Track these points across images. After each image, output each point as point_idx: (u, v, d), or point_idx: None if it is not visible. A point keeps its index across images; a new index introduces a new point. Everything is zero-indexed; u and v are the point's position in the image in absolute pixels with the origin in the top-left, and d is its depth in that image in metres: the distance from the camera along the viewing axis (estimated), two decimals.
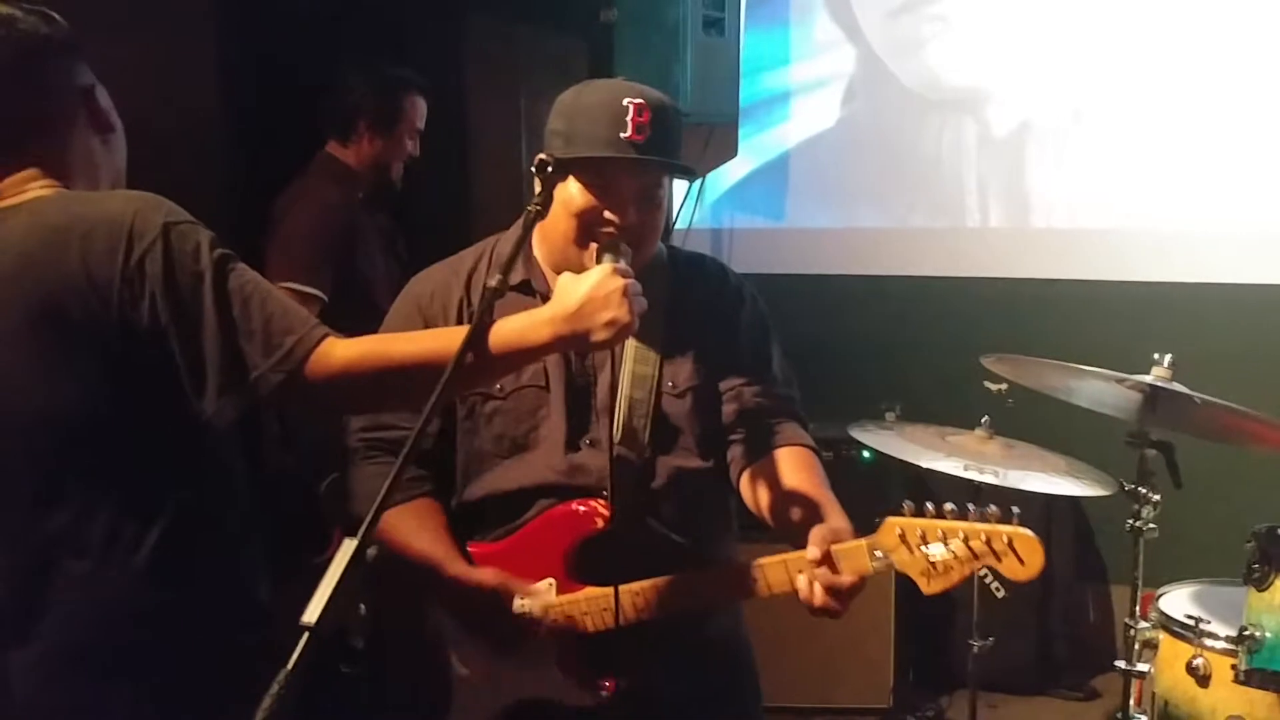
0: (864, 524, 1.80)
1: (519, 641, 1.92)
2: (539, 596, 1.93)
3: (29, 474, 1.66)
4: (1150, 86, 3.98)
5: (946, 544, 1.74)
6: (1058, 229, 4.13)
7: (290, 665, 1.25)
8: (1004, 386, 3.02)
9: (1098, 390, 2.65)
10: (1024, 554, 1.71)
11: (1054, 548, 4.01)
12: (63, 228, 1.61)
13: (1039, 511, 3.93)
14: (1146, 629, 2.59)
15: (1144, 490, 2.53)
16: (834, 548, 1.76)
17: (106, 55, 1.85)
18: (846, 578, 1.76)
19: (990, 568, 1.74)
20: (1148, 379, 2.48)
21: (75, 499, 1.65)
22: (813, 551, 1.76)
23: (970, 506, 1.76)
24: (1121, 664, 2.61)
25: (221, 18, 3.52)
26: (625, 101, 1.83)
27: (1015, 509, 1.75)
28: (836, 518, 1.85)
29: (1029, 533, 1.72)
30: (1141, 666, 2.59)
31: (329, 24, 3.69)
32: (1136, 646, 2.58)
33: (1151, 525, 2.53)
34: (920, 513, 1.77)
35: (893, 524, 1.77)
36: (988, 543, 1.72)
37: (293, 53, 3.60)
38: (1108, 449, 2.71)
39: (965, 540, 1.73)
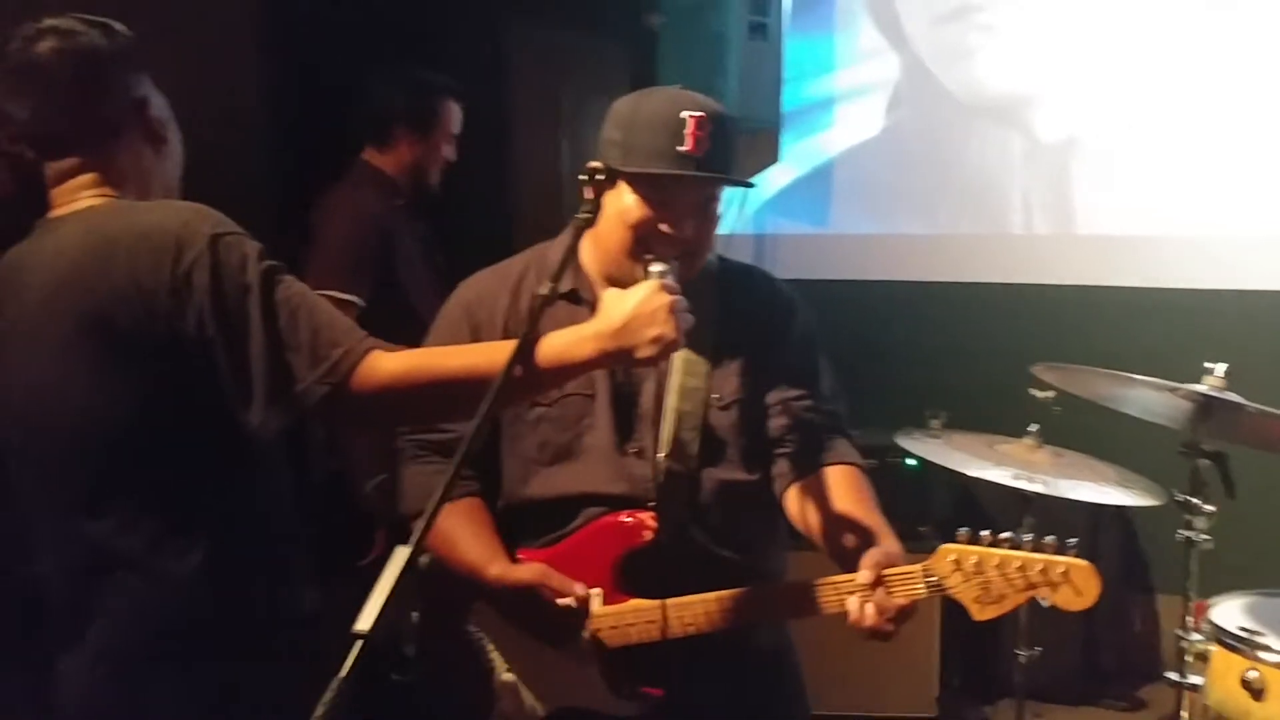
0: (909, 531, 1.79)
1: (566, 636, 1.91)
2: (584, 602, 1.92)
3: (77, 481, 1.68)
4: (1198, 92, 3.93)
5: (1002, 572, 1.73)
6: (1106, 235, 4.09)
7: (344, 673, 1.25)
8: (1052, 394, 2.99)
9: (1149, 399, 2.62)
10: (1080, 585, 1.72)
11: (1101, 557, 3.97)
12: (111, 238, 1.63)
13: (1086, 521, 3.89)
14: (1198, 641, 2.55)
15: (1197, 501, 2.50)
16: (887, 572, 1.75)
17: (150, 64, 1.87)
18: (898, 601, 1.75)
19: (1045, 598, 1.74)
20: (1200, 388, 2.44)
21: (122, 507, 1.66)
22: (865, 575, 1.75)
23: (1026, 536, 1.75)
24: (1173, 675, 2.57)
25: (264, 28, 3.56)
26: (683, 114, 1.82)
27: (1072, 540, 1.74)
28: (889, 541, 1.84)
29: (1085, 563, 1.72)
30: (1193, 679, 2.56)
31: (370, 32, 3.71)
32: (1188, 658, 2.55)
33: (1205, 536, 2.50)
34: (975, 539, 1.76)
35: (947, 550, 1.76)
36: (1043, 572, 1.72)
37: (334, 62, 3.63)
38: (1158, 458, 2.68)
39: (1021, 569, 1.72)
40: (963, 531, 1.77)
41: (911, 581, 1.75)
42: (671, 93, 1.91)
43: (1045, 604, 1.76)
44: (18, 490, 1.76)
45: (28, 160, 1.73)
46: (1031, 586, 1.73)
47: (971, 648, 3.96)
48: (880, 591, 1.75)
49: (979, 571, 1.74)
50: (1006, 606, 1.75)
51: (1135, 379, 2.49)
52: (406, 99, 3.39)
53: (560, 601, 1.89)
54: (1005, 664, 3.37)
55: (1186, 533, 2.52)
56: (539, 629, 1.93)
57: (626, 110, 1.90)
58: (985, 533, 1.77)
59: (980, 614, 1.77)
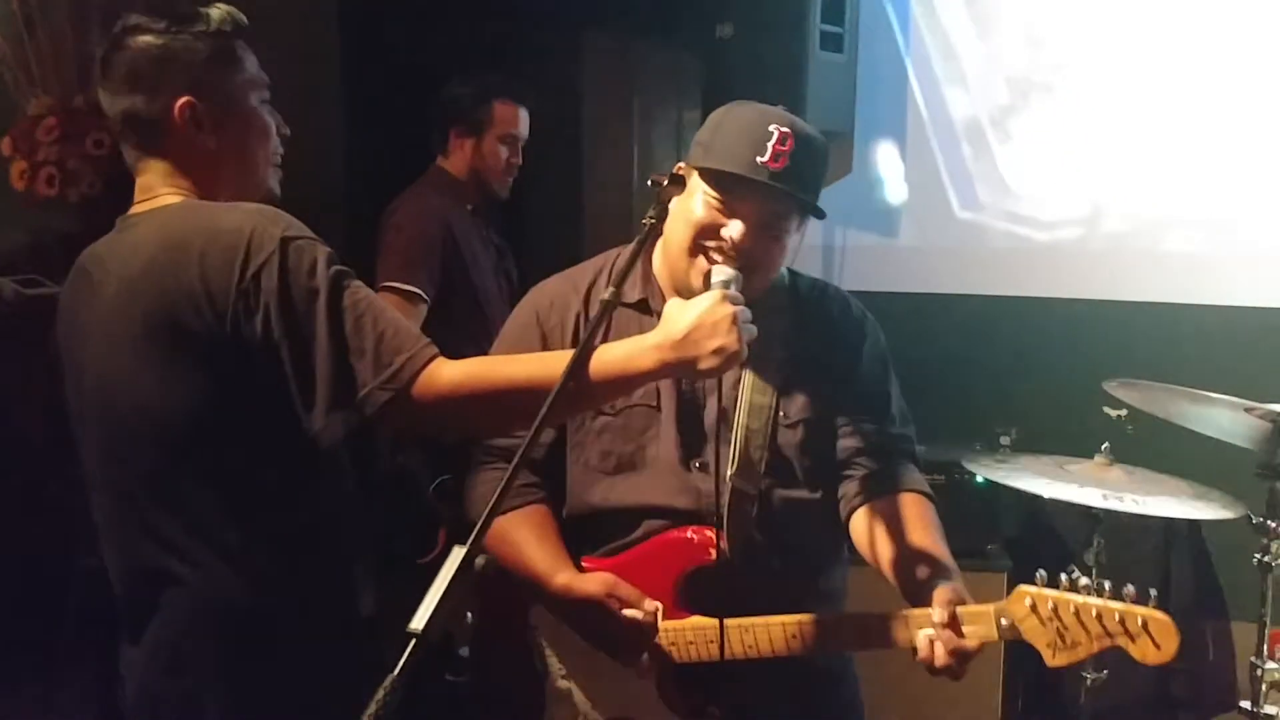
0: (976, 549, 1.75)
1: (630, 649, 1.91)
2: (652, 616, 1.91)
3: (145, 478, 1.71)
4: (1270, 107, 3.85)
5: (1079, 619, 1.69)
6: (1183, 252, 4.00)
7: (397, 671, 1.25)
8: (1124, 413, 2.94)
9: (1224, 418, 2.57)
10: (1159, 638, 1.66)
11: (1173, 581, 3.90)
12: (185, 240, 1.65)
13: (1157, 542, 3.82)
14: (1275, 669, 2.50)
15: (1274, 524, 2.44)
16: (960, 610, 1.73)
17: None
18: (971, 642, 1.73)
19: (1122, 648, 1.69)
20: (1278, 408, 2.39)
21: (186, 505, 1.69)
22: (939, 614, 1.73)
23: (1105, 584, 1.71)
24: (1246, 705, 2.52)
25: (345, 40, 3.62)
26: (771, 127, 1.82)
27: (1153, 590, 1.69)
28: (955, 578, 1.82)
29: (1165, 616, 1.67)
30: (1269, 709, 2.50)
31: (448, 43, 3.76)
32: (1264, 687, 2.49)
33: None
34: (1054, 583, 1.72)
35: (1023, 593, 1.73)
36: (1122, 622, 1.67)
37: (413, 70, 3.68)
38: (1233, 479, 2.62)
39: (1099, 618, 1.68)
40: (1040, 574, 1.73)
41: (985, 622, 1.73)
42: (769, 108, 1.89)
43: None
44: (89, 483, 1.80)
45: (115, 160, 1.77)
46: (1108, 635, 1.68)
47: (1036, 669, 3.88)
48: (951, 630, 1.72)
49: (1055, 617, 1.70)
50: (1081, 654, 1.72)
51: (1212, 397, 2.45)
52: (456, 102, 3.43)
53: (627, 613, 1.89)
54: (1072, 687, 3.31)
55: (1263, 557, 2.46)
56: (602, 640, 1.92)
57: (720, 114, 1.92)
58: (1064, 576, 1.73)
59: (1053, 660, 1.73)
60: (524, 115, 3.48)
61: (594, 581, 1.91)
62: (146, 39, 1.74)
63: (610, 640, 1.91)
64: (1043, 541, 3.77)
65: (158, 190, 1.77)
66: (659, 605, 1.90)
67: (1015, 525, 3.79)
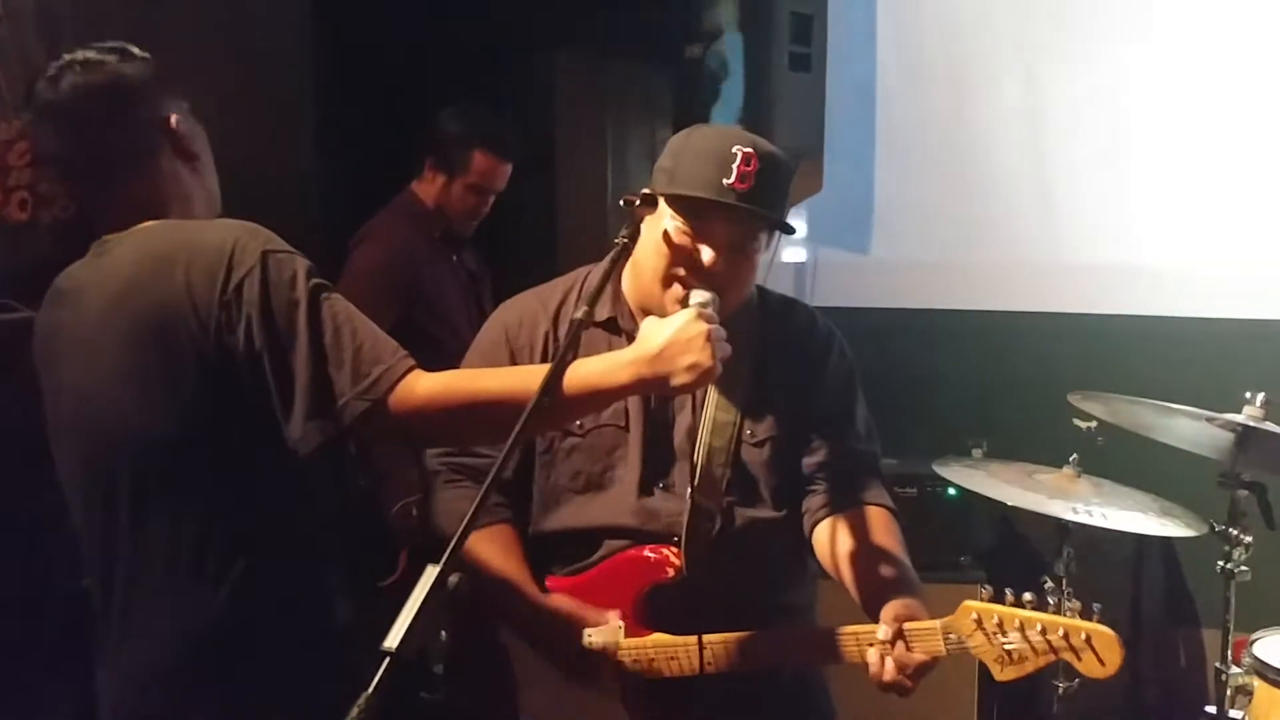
0: (948, 561, 1.76)
1: (588, 672, 1.93)
2: (607, 634, 1.93)
3: (124, 493, 1.71)
4: (1236, 120, 3.91)
5: (1023, 634, 1.71)
6: (1149, 265, 4.06)
7: (371, 689, 1.26)
8: (1094, 424, 2.98)
9: (1187, 429, 2.61)
10: (1103, 652, 1.68)
11: (1144, 589, 3.94)
12: (167, 256, 1.67)
13: (1129, 552, 3.86)
14: (1239, 674, 2.53)
15: (1235, 532, 2.48)
16: (907, 627, 1.74)
17: (203, 88, 1.91)
18: (917, 657, 1.74)
19: (1066, 662, 1.71)
20: (1239, 418, 2.43)
21: (166, 520, 1.70)
22: (885, 631, 1.74)
23: (1050, 599, 1.73)
24: (1212, 710, 2.55)
25: (316, 52, 3.62)
26: (734, 149, 1.82)
27: (1097, 605, 1.71)
28: (912, 592, 1.83)
29: (1109, 631, 1.69)
30: (1235, 714, 2.53)
31: (420, 58, 3.77)
32: (1229, 692, 2.52)
33: (1243, 568, 2.48)
34: (999, 598, 1.74)
35: (969, 608, 1.74)
36: (1065, 637, 1.69)
37: (384, 85, 3.68)
38: (1198, 489, 2.66)
39: (1043, 632, 1.70)
40: (985, 589, 1.75)
41: (931, 638, 1.74)
42: (728, 129, 1.91)
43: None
44: (68, 502, 1.81)
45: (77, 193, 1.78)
46: (1053, 650, 1.70)
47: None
48: (900, 646, 1.74)
49: (1000, 632, 1.72)
50: (1027, 669, 1.73)
51: (1173, 408, 2.49)
52: (439, 135, 3.41)
53: (585, 638, 1.90)
54: (1046, 695, 3.34)
55: (1226, 564, 2.50)
56: (563, 662, 1.94)
57: (681, 139, 1.93)
58: (1008, 591, 1.74)
59: (1001, 674, 1.74)
60: (504, 170, 3.45)
61: (556, 603, 1.93)
62: (82, 76, 1.75)
63: (570, 662, 1.93)
64: (1015, 552, 3.81)
65: (130, 218, 1.77)
66: (621, 624, 1.92)
67: (988, 537, 3.82)
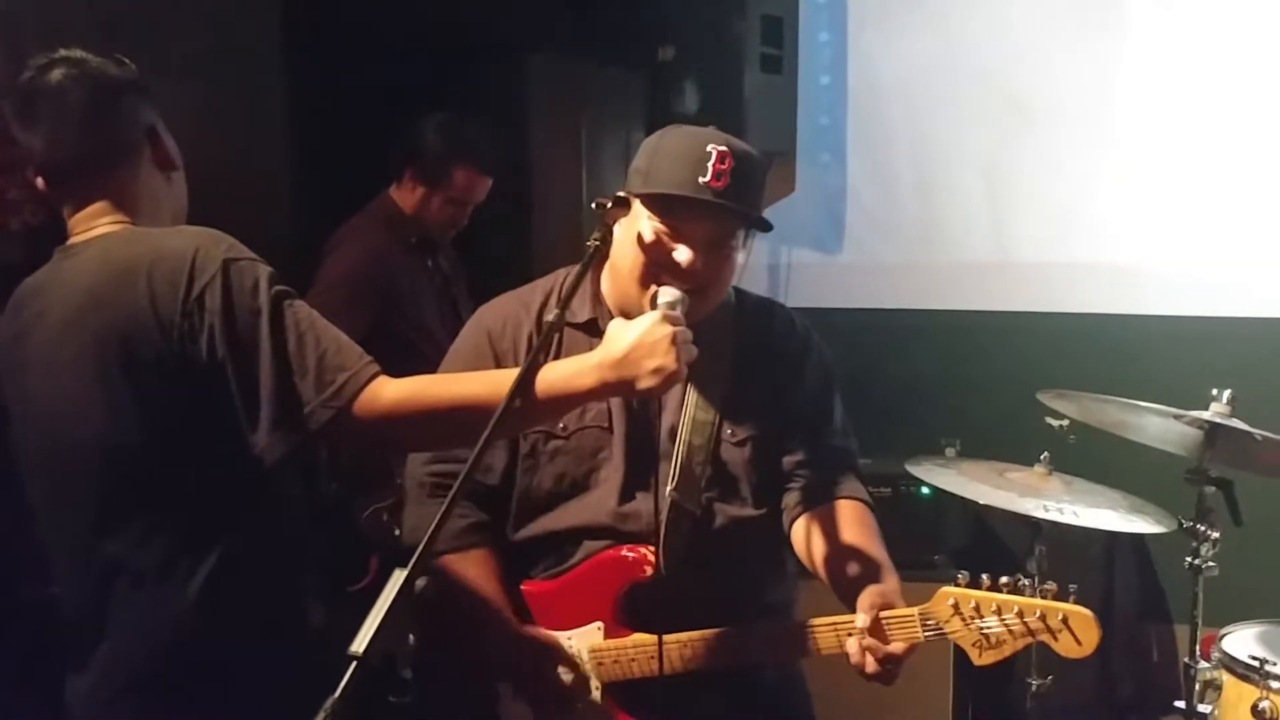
0: (923, 560, 1.77)
1: (565, 706, 1.93)
2: (586, 636, 1.93)
3: (90, 502, 1.71)
4: (1203, 119, 3.94)
5: (1000, 617, 1.72)
6: (1117, 264, 4.09)
7: (338, 694, 1.27)
8: (1066, 422, 3.00)
9: (1155, 426, 2.62)
10: (1079, 633, 1.70)
11: (1117, 585, 3.96)
12: (129, 264, 1.67)
13: (1101, 549, 3.88)
14: (1207, 669, 2.54)
15: (1203, 528, 2.49)
16: (884, 615, 1.75)
17: (178, 95, 1.91)
18: (897, 646, 1.75)
19: (1044, 644, 1.72)
20: (1206, 415, 2.45)
21: (134, 528, 1.69)
22: (862, 619, 1.75)
23: (1025, 581, 1.74)
24: (1181, 705, 2.56)
25: (290, 58, 3.61)
26: (709, 147, 1.83)
27: (1073, 586, 1.73)
28: (888, 580, 1.85)
29: (1085, 611, 1.70)
30: (1203, 708, 2.54)
31: (394, 62, 3.77)
32: (1197, 687, 2.54)
33: (1211, 563, 2.50)
34: (975, 583, 1.75)
35: (946, 594, 1.76)
36: (1042, 618, 1.71)
37: (358, 89, 3.68)
38: (1169, 486, 2.68)
39: (1020, 615, 1.71)
40: (962, 574, 1.76)
41: (909, 625, 1.75)
42: (702, 129, 1.91)
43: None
44: (35, 511, 1.80)
45: (45, 192, 1.77)
46: (1030, 633, 1.72)
47: (986, 676, 3.93)
48: (878, 635, 1.75)
49: (978, 616, 1.73)
50: (1005, 652, 1.74)
51: (1140, 406, 2.50)
52: (421, 144, 3.39)
53: (563, 641, 1.91)
54: (1020, 692, 3.36)
55: (1193, 560, 2.51)
56: (533, 697, 1.94)
57: (655, 140, 1.93)
58: (985, 576, 1.75)
59: (979, 659, 1.76)
60: (485, 184, 3.44)
61: (530, 638, 1.94)
62: (72, 70, 1.75)
63: (541, 699, 1.94)
64: (989, 550, 3.83)
65: (97, 220, 1.78)
66: (595, 623, 1.92)
67: (962, 535, 3.84)
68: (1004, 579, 1.75)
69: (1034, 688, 3.10)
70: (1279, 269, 3.88)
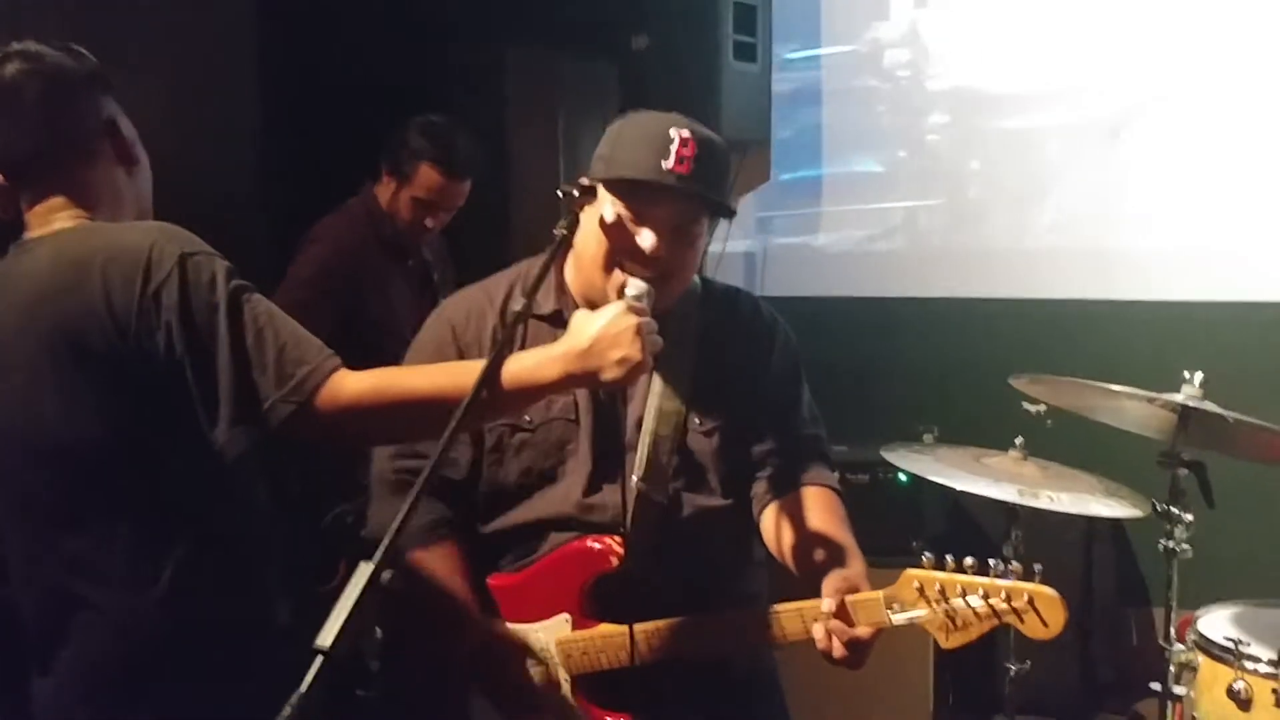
0: (900, 547, 1.76)
1: (534, 704, 1.93)
2: (552, 628, 1.93)
3: (50, 502, 1.69)
4: (1184, 103, 3.96)
5: (966, 599, 1.71)
6: (1090, 249, 4.11)
7: (304, 688, 1.26)
8: (1043, 408, 3.01)
9: (1129, 410, 2.63)
10: (1045, 613, 1.69)
11: (1095, 569, 3.98)
12: (84, 260, 1.64)
13: (1079, 533, 3.90)
14: (1183, 651, 2.56)
15: (1176, 510, 2.50)
16: (849, 599, 1.74)
17: (149, 87, 1.88)
18: (862, 630, 1.74)
19: (1011, 625, 1.71)
20: (1178, 398, 2.46)
21: (95, 527, 1.68)
22: (827, 604, 1.74)
23: (992, 562, 1.73)
24: (1157, 686, 2.58)
25: (264, 52, 3.59)
26: (672, 132, 1.82)
27: (1038, 566, 1.72)
28: (853, 564, 1.84)
29: (1051, 591, 1.69)
30: (1179, 690, 2.55)
31: (369, 58, 3.75)
32: (1173, 669, 2.55)
33: (1185, 546, 2.50)
34: (940, 565, 1.74)
35: (911, 576, 1.74)
36: (1008, 600, 1.69)
37: (334, 81, 3.66)
38: (1143, 469, 2.69)
39: (985, 597, 1.70)
40: (927, 557, 1.75)
41: (874, 609, 1.74)
42: (663, 114, 1.90)
43: None
44: None
45: (3, 186, 1.74)
46: (996, 614, 1.70)
47: (966, 662, 3.95)
48: (843, 619, 1.74)
49: (943, 598, 1.72)
50: (972, 635, 1.73)
51: (1113, 389, 2.51)
52: (398, 141, 3.38)
53: (531, 636, 1.90)
54: (1000, 678, 3.37)
55: (1167, 542, 2.52)
56: (500, 697, 1.94)
57: (617, 127, 1.92)
58: (949, 558, 1.74)
59: (946, 642, 1.74)
60: (454, 188, 3.40)
61: (498, 638, 1.93)
62: (28, 64, 1.73)
63: (509, 696, 1.93)
64: (966, 536, 3.83)
65: (54, 216, 1.75)
66: (562, 614, 1.92)
67: (939, 522, 3.85)
68: (969, 560, 1.73)
69: (1012, 672, 3.11)
70: (1250, 253, 3.90)
